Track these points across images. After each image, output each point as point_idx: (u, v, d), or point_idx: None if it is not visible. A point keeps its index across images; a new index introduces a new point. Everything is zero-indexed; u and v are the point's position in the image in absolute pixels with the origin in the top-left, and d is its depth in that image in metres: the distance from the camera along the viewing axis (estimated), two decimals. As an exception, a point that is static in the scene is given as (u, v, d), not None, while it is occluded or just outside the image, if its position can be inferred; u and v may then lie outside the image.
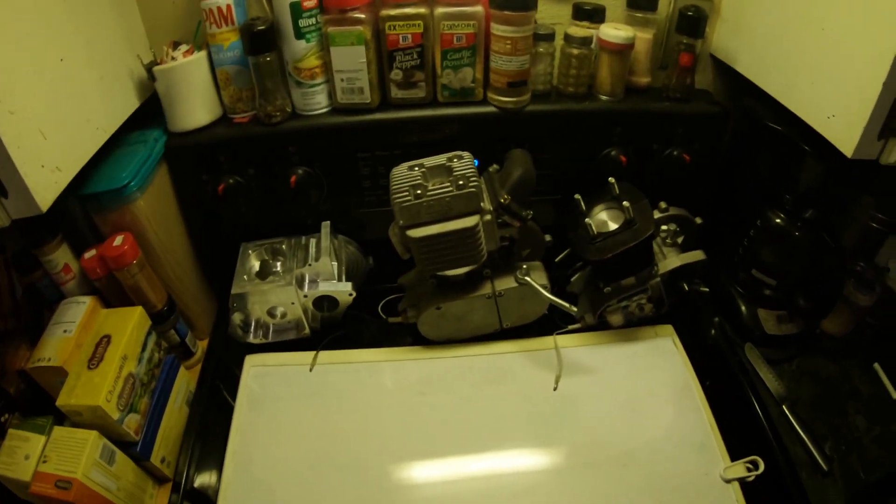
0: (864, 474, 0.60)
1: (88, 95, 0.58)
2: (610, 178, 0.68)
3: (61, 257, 0.63)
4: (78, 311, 0.62)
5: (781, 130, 0.66)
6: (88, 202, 0.63)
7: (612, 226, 0.66)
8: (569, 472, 0.59)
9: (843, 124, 0.53)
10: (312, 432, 0.62)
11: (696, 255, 0.68)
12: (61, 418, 0.55)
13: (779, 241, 0.70)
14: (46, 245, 0.61)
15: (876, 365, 0.71)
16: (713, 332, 0.72)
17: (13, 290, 0.62)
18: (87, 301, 0.63)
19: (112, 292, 0.65)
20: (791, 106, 0.61)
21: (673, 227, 0.70)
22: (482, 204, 0.59)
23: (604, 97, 0.71)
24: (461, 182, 0.57)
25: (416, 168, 0.60)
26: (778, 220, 0.69)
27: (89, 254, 0.64)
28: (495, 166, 0.65)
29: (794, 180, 0.67)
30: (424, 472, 0.59)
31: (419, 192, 0.57)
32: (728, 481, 0.57)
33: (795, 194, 0.68)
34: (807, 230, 0.68)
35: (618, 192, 0.67)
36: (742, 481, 0.57)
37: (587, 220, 0.65)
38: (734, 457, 0.59)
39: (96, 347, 0.57)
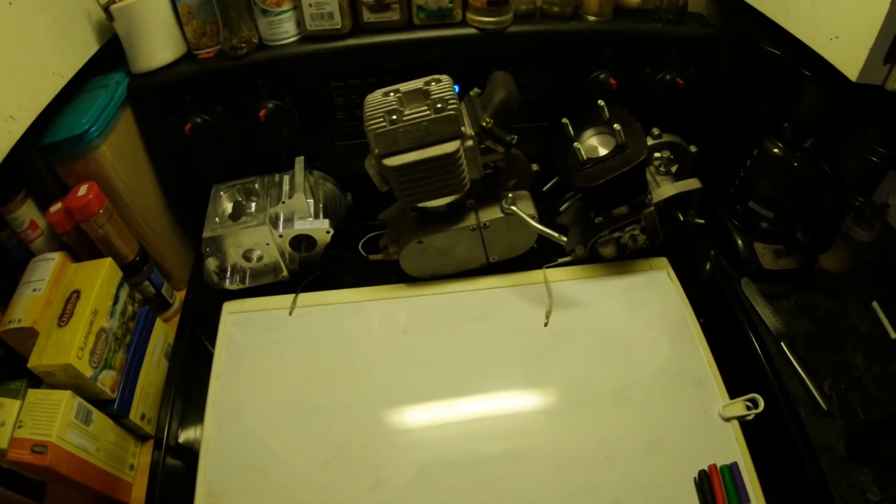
0: (863, 414, 0.59)
1: (42, 40, 0.55)
2: (599, 101, 0.64)
3: (27, 214, 0.60)
4: (47, 269, 0.59)
5: (780, 55, 0.63)
6: (50, 153, 0.60)
7: (603, 151, 0.63)
8: (561, 410, 0.57)
9: (846, 46, 0.50)
10: (296, 377, 0.59)
11: (692, 184, 0.65)
12: (37, 381, 0.53)
13: (777, 172, 0.68)
14: (10, 202, 0.58)
15: (874, 303, 0.69)
16: (708, 265, 0.69)
17: (-16, 255, 0.59)
18: (55, 257, 0.61)
19: (81, 246, 0.63)
20: (790, 28, 0.58)
21: (667, 154, 0.66)
22: (463, 128, 0.55)
23: (591, 17, 0.67)
24: (439, 105, 0.54)
25: (392, 94, 0.56)
26: (776, 150, 0.66)
27: (55, 208, 0.61)
28: (476, 90, 0.62)
29: (793, 108, 0.64)
30: (412, 413, 0.57)
31: (395, 117, 0.54)
32: (727, 419, 0.56)
33: (795, 122, 0.64)
34: (806, 160, 0.65)
35: (608, 115, 0.63)
36: (741, 419, 0.55)
37: (576, 144, 0.62)
38: (731, 395, 0.57)
39: (66, 304, 0.55)
